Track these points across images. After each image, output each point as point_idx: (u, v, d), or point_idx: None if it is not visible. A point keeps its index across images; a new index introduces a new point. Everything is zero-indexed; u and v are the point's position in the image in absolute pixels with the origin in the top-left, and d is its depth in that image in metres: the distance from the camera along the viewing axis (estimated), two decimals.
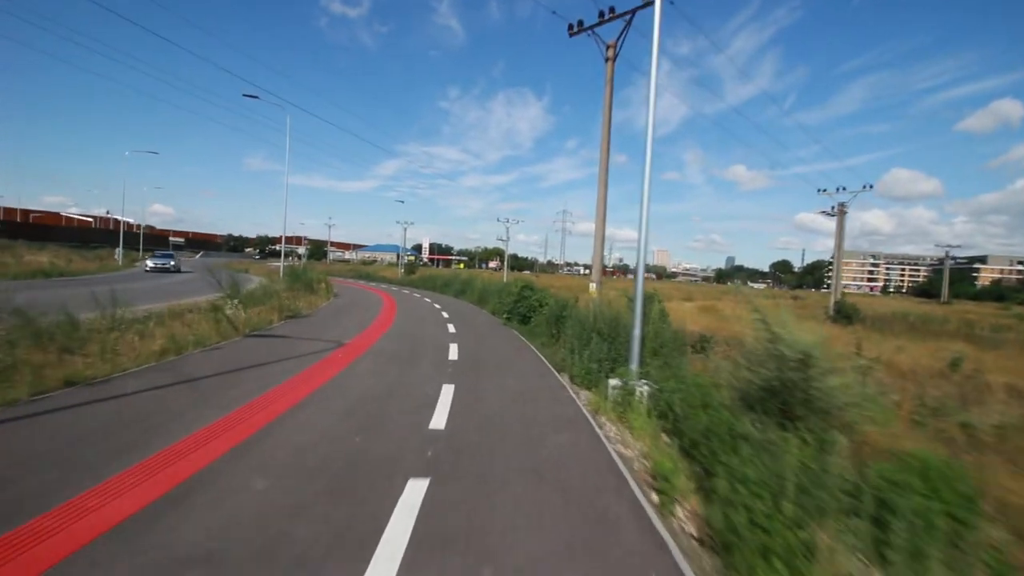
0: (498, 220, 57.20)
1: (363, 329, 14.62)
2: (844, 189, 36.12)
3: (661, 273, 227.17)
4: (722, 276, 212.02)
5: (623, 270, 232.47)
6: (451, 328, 15.57)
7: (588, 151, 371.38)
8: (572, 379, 9.16)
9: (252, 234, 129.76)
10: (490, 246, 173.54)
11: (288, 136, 28.88)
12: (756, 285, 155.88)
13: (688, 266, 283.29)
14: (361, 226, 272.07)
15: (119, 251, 48.15)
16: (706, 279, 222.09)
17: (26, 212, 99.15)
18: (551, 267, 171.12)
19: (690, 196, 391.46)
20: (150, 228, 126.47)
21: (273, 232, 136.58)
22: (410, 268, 77.87)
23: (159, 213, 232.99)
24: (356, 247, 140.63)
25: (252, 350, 10.03)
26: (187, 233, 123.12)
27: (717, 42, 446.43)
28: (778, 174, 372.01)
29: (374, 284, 41.61)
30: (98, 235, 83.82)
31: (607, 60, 13.84)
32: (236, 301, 13.36)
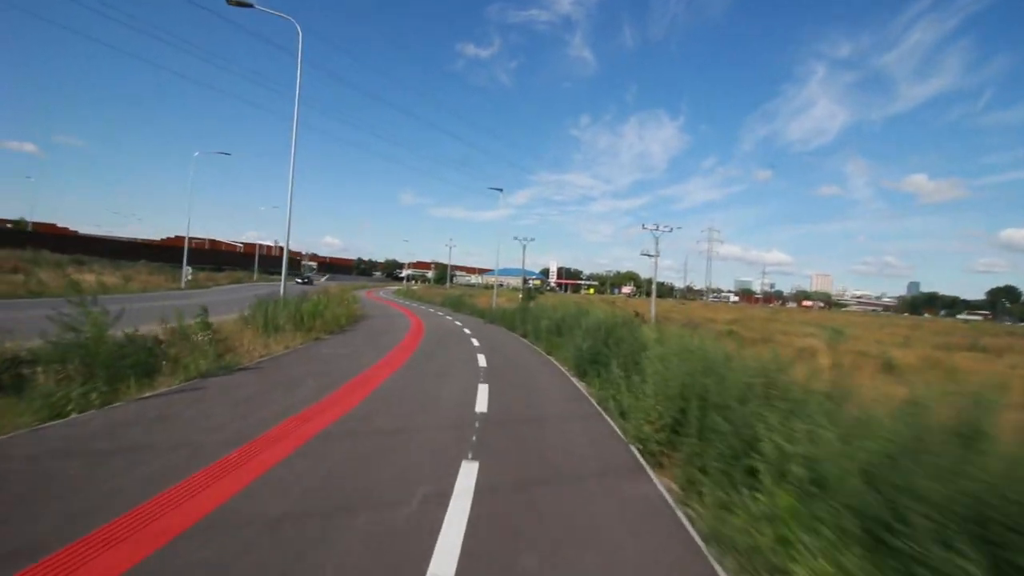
0: (643, 227, 38.13)
1: None
2: None
3: (828, 301, 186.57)
4: (915, 305, 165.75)
5: (777, 296, 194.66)
6: None
7: (727, 169, 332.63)
8: None
9: (404, 260, 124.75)
10: (622, 270, 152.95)
11: (297, 100, 14.77)
12: (967, 318, 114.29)
13: (857, 292, 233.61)
14: (494, 252, 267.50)
15: (187, 270, 39.39)
16: (887, 308, 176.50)
17: (181, 239, 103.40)
18: (692, 293, 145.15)
19: (854, 213, 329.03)
20: (313, 255, 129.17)
21: (418, 257, 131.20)
22: (530, 294, 62.13)
23: (329, 244, 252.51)
24: (481, 271, 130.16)
25: None
26: (327, 259, 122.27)
27: (888, 38, 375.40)
28: (972, 183, 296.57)
29: (451, 317, 25.94)
30: (235, 259, 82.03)
31: None
32: None
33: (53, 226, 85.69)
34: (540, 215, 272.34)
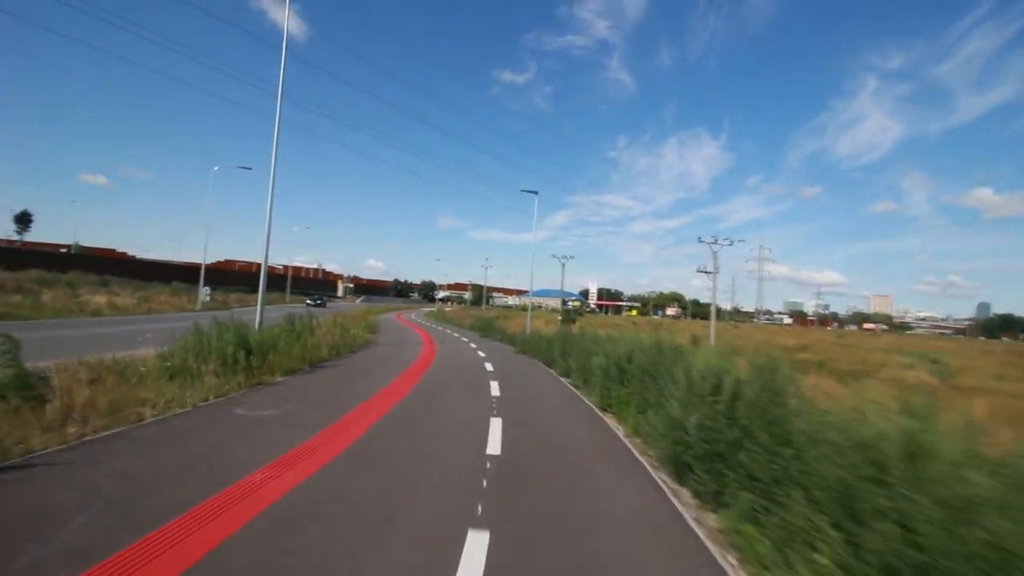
0: (700, 240, 32.55)
1: None
2: None
3: (890, 323, 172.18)
4: (990, 328, 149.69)
5: (833, 319, 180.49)
6: None
7: (772, 186, 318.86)
8: None
9: (441, 281, 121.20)
10: (663, 291, 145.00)
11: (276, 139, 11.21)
12: None
13: (920, 314, 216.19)
14: (532, 274, 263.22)
15: (205, 291, 36.91)
16: (959, 331, 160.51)
17: (231, 262, 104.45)
18: (740, 315, 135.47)
19: (913, 230, 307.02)
20: (355, 278, 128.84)
21: (456, 279, 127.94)
22: (569, 316, 57.05)
23: (372, 267, 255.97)
24: (519, 292, 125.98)
25: None
26: (364, 281, 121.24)
27: (943, 47, 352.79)
28: None
29: (476, 344, 21.47)
30: (277, 280, 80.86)
31: None
32: None
33: (112, 251, 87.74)
34: (578, 236, 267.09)
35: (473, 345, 19.54)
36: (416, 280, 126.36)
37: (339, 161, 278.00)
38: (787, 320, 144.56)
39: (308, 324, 14.29)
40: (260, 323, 13.48)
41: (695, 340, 33.00)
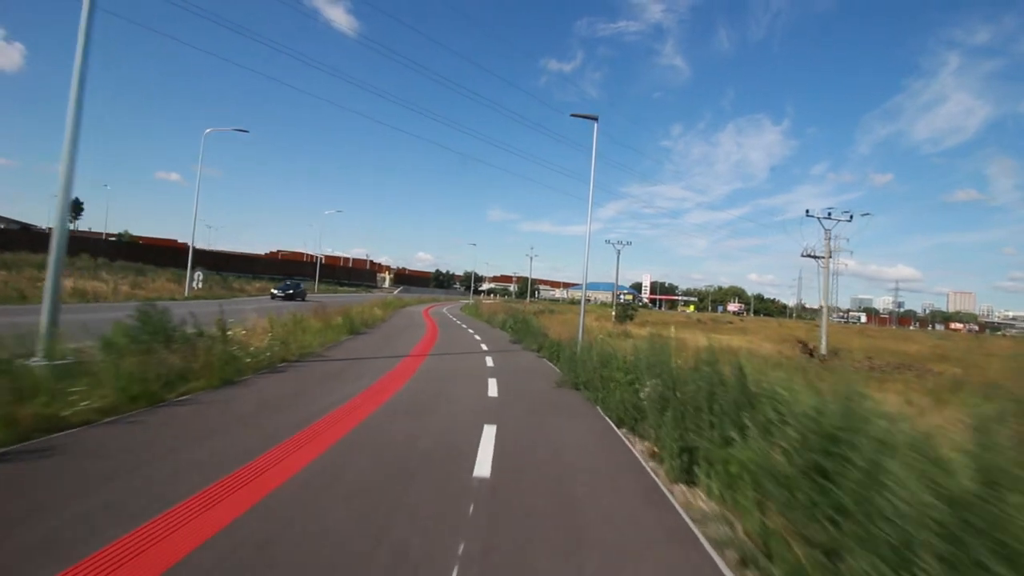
0: (808, 214, 22.73)
1: None
2: None
3: (976, 322, 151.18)
4: None
5: (910, 317, 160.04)
6: None
7: (839, 175, 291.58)
8: None
9: (484, 272, 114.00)
10: (719, 285, 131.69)
11: None
12: None
13: (1009, 313, 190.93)
14: (581, 267, 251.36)
15: (197, 276, 31.35)
16: None
17: (276, 252, 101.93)
18: (806, 312, 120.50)
19: (999, 221, 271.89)
20: (402, 268, 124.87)
21: (503, 271, 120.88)
22: (625, 312, 48.26)
23: (422, 259, 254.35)
24: (567, 285, 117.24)
25: None
26: (405, 271, 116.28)
27: None
28: None
29: (496, 359, 13.63)
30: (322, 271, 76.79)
31: None
32: None
33: (172, 241, 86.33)
34: (629, 229, 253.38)
35: (490, 363, 11.74)
36: (460, 272, 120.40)
37: (390, 155, 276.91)
38: (863, 318, 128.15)
39: (167, 332, 7.04)
40: (48, 327, 6.38)
41: (804, 344, 23.95)
